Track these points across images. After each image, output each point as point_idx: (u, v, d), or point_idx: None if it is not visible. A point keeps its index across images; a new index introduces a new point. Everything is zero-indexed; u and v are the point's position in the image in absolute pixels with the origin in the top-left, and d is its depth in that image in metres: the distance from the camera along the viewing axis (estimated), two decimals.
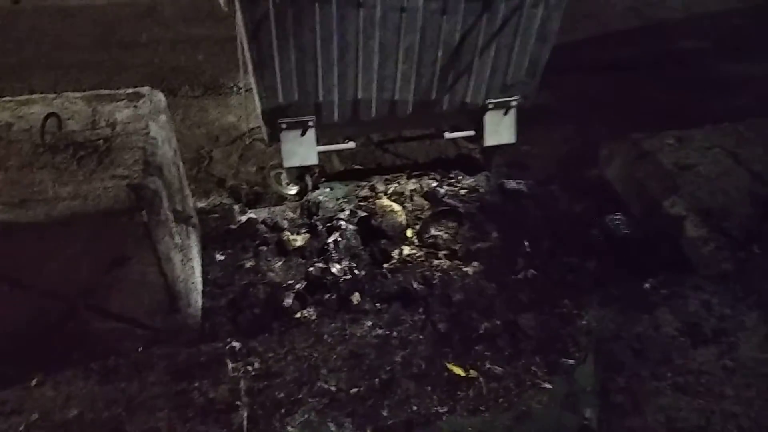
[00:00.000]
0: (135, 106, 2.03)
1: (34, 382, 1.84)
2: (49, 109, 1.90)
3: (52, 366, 1.87)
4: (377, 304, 2.28)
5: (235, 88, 3.79)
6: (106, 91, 2.11)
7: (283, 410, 1.81)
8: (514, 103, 2.77)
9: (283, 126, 2.53)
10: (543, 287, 2.38)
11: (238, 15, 2.16)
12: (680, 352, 2.06)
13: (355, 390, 1.89)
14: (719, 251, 2.44)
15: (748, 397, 1.92)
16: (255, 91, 2.40)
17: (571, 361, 2.02)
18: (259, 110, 2.47)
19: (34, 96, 2.07)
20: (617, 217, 2.79)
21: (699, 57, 4.47)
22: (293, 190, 2.90)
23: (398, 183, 3.01)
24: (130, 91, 2.12)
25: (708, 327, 2.15)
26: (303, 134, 2.57)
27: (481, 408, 1.85)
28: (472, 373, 1.97)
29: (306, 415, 1.79)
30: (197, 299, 2.16)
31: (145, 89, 2.14)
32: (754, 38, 4.74)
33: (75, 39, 4.33)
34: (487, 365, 1.99)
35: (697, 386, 1.95)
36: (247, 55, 2.28)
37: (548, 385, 1.93)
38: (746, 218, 2.56)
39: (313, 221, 2.73)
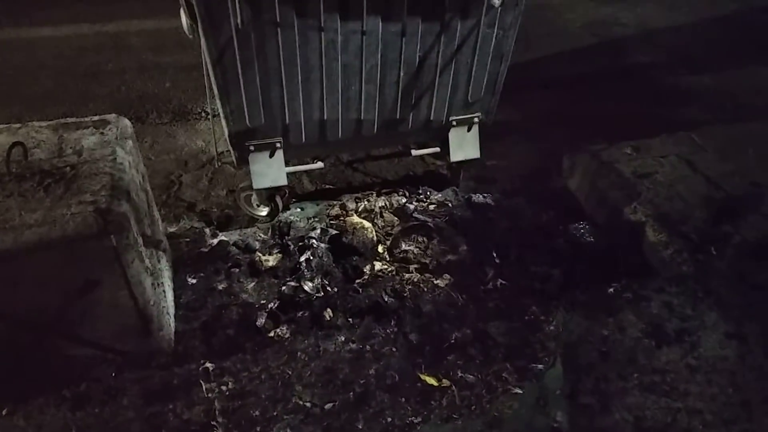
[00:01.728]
0: (101, 133, 2.04)
1: (4, 412, 1.81)
2: (14, 139, 1.90)
3: (22, 395, 1.85)
4: (350, 319, 2.31)
5: (203, 114, 3.82)
6: (72, 119, 2.12)
7: (258, 428, 1.81)
8: (476, 120, 2.85)
9: (251, 148, 2.56)
10: (512, 296, 2.44)
11: (202, 41, 2.20)
12: (645, 352, 2.13)
13: (329, 405, 1.91)
14: (679, 254, 2.53)
15: (711, 393, 1.99)
16: (222, 115, 2.44)
17: (540, 366, 2.07)
18: (226, 134, 2.51)
19: None
20: (581, 225, 2.88)
21: (652, 70, 4.65)
22: (264, 211, 2.92)
23: (368, 200, 3.06)
24: (96, 118, 2.14)
25: (671, 327, 2.22)
26: (271, 156, 2.61)
27: (454, 416, 1.88)
28: (445, 382, 2.00)
29: None
30: (170, 323, 2.16)
31: (111, 116, 2.16)
32: (704, 51, 4.96)
33: (40, 70, 4.32)
34: (459, 374, 2.03)
35: (662, 385, 2.01)
36: (213, 80, 2.32)
37: (519, 390, 1.98)
38: (703, 221, 2.67)
39: (284, 241, 2.76)
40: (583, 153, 3.20)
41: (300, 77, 2.40)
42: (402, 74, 2.55)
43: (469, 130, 2.89)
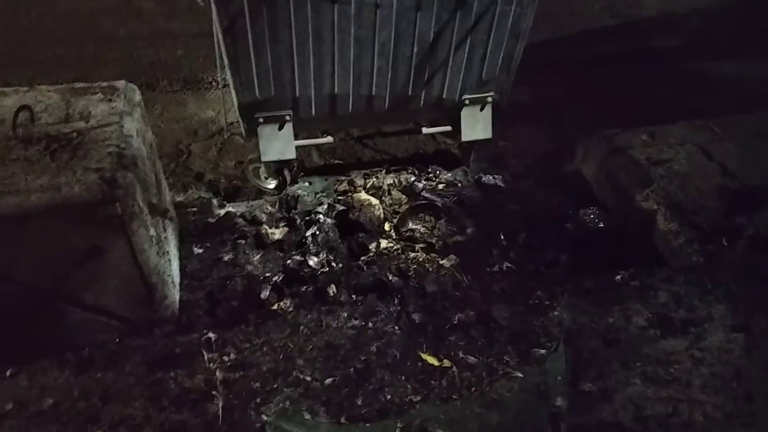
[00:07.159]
0: (110, 100, 2.02)
1: (8, 373, 1.84)
2: (21, 102, 1.89)
3: (26, 357, 1.87)
4: (353, 296, 2.30)
5: (213, 83, 3.78)
6: (81, 85, 2.10)
7: (258, 399, 1.82)
8: (489, 99, 2.80)
9: (261, 120, 2.53)
10: (517, 279, 2.42)
11: (213, 9, 2.16)
12: (650, 342, 2.10)
13: (330, 380, 1.91)
14: (689, 244, 2.50)
15: (714, 386, 1.97)
16: (231, 85, 2.41)
17: (542, 351, 2.06)
18: (236, 105, 2.48)
19: (6, 89, 2.06)
20: (591, 211, 2.84)
21: (673, 54, 4.54)
22: (272, 184, 2.91)
23: (377, 177, 3.03)
24: (104, 84, 2.11)
25: (677, 318, 2.19)
26: (280, 128, 2.58)
27: (453, 396, 1.88)
28: (446, 362, 2.00)
29: (281, 404, 1.80)
30: (174, 292, 2.16)
31: (120, 83, 2.13)
32: (727, 37, 4.83)
33: (50, 33, 4.27)
34: (461, 355, 2.02)
35: (665, 376, 2.00)
36: (223, 49, 2.29)
37: (519, 374, 1.97)
38: (715, 212, 2.62)
39: (291, 215, 2.75)
40: (597, 137, 3.15)
41: (311, 49, 2.36)
42: (415, 49, 2.50)
43: (482, 109, 2.84)
